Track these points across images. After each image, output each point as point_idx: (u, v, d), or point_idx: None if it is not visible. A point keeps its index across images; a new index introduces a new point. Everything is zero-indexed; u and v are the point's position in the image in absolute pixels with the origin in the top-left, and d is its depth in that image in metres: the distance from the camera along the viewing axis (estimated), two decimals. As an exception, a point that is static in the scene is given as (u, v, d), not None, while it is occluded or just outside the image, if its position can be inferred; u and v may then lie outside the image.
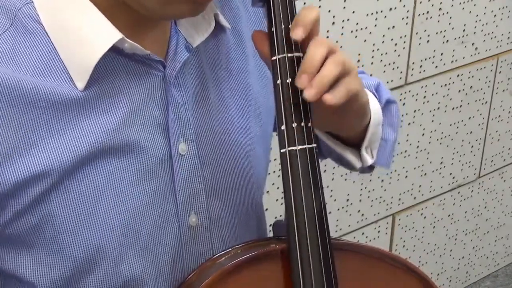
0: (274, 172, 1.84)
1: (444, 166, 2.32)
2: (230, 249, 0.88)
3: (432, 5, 2.04)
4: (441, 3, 2.06)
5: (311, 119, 0.82)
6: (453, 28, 2.12)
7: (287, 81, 0.81)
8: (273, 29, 0.81)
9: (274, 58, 0.81)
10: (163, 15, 0.82)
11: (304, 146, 0.81)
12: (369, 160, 0.98)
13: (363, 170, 1.02)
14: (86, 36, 0.79)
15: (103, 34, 0.80)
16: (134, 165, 0.84)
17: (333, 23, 1.85)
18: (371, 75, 1.97)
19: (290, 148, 0.81)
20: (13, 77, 0.77)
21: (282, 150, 0.81)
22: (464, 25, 2.15)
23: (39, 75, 0.79)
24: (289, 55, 0.81)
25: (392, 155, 1.03)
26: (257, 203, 1.00)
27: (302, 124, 0.81)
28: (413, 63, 2.07)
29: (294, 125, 0.81)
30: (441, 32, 2.10)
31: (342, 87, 0.81)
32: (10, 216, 0.80)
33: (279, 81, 0.81)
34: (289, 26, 0.81)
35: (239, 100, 0.95)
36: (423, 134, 2.21)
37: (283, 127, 0.81)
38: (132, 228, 0.85)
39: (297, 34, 0.79)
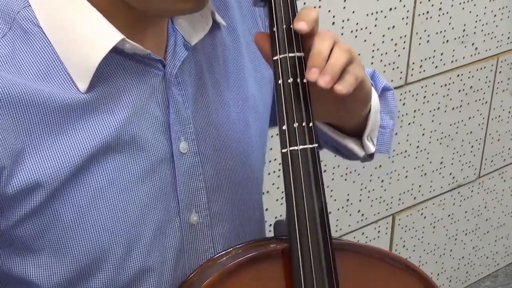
0: (274, 172, 1.84)
1: (444, 166, 2.32)
2: (231, 249, 0.88)
3: (432, 5, 2.04)
4: (441, 3, 2.06)
5: (312, 118, 0.82)
6: (453, 28, 2.12)
7: (289, 80, 0.81)
8: (275, 29, 0.82)
9: (275, 58, 0.82)
10: (167, 13, 0.82)
11: (305, 146, 0.81)
12: (372, 148, 0.99)
13: (364, 159, 1.03)
14: (86, 37, 0.79)
15: (104, 35, 0.79)
16: (135, 165, 0.84)
17: (333, 23, 1.85)
18: (371, 75, 1.97)
19: (291, 148, 0.81)
20: (15, 82, 0.76)
21: (283, 150, 0.81)
22: (464, 25, 2.15)
23: (40, 79, 0.78)
24: (291, 54, 0.81)
25: (391, 141, 1.04)
26: (257, 200, 1.01)
27: (304, 124, 0.81)
28: (413, 63, 2.07)
29: (296, 125, 0.81)
30: (441, 32, 2.10)
31: (350, 75, 0.82)
32: (15, 220, 0.80)
33: (280, 81, 0.81)
34: (291, 26, 0.81)
35: (237, 97, 0.96)
36: (423, 134, 2.21)
37: (284, 127, 0.81)
38: (135, 228, 0.85)
39: (302, 26, 0.80)
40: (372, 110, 0.96)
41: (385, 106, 1.04)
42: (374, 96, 0.98)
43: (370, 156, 1.02)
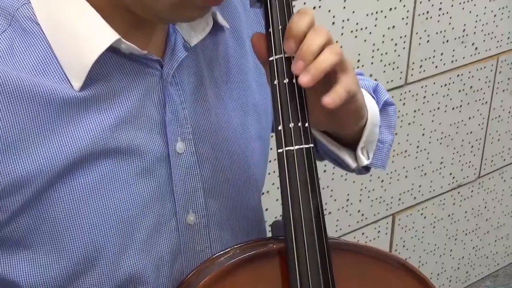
0: (274, 172, 1.84)
1: (444, 166, 2.32)
2: (229, 249, 0.88)
3: (432, 5, 2.04)
4: (441, 3, 2.06)
5: (308, 119, 0.82)
6: (453, 28, 2.13)
7: (284, 81, 0.81)
8: (270, 29, 0.82)
9: (271, 58, 0.82)
10: (172, 20, 0.82)
11: (301, 146, 0.81)
12: (364, 161, 0.98)
13: (359, 171, 1.02)
14: (83, 37, 0.79)
15: (100, 35, 0.79)
16: (131, 164, 0.84)
17: (333, 23, 1.85)
18: (370, 75, 1.97)
19: (287, 148, 0.81)
20: (11, 74, 0.77)
21: (279, 150, 0.82)
22: (464, 25, 2.15)
23: (36, 76, 0.78)
24: (286, 55, 0.81)
25: (388, 156, 1.03)
26: (256, 201, 1.01)
27: (299, 124, 0.81)
28: (413, 63, 2.08)
29: (291, 125, 0.81)
30: (441, 32, 2.10)
31: (340, 87, 0.81)
32: (6, 217, 0.79)
33: (276, 82, 0.81)
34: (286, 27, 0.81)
35: (237, 99, 0.96)
36: (423, 134, 2.21)
37: (280, 127, 0.81)
38: (130, 227, 0.85)
39: (289, 47, 0.80)
40: (368, 123, 0.95)
41: (386, 121, 1.02)
42: (374, 110, 0.97)
43: (366, 169, 1.02)
